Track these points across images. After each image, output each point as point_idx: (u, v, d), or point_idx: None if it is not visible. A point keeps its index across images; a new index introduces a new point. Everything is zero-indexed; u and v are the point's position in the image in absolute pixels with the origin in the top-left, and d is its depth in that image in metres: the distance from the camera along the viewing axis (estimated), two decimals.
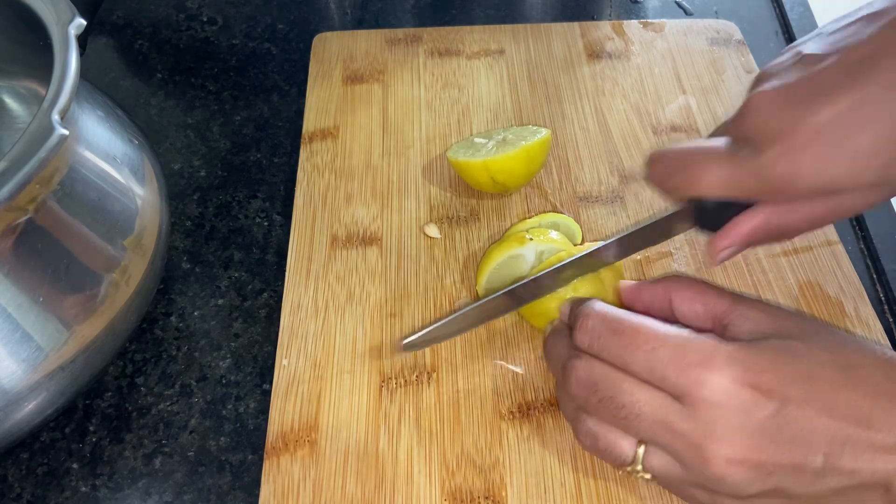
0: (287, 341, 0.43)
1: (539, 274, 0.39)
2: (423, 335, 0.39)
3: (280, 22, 0.63)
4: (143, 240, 0.40)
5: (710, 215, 0.37)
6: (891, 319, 0.46)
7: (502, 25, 0.61)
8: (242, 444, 0.41)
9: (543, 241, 0.42)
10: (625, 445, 0.33)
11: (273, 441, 0.40)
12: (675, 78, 0.57)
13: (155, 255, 0.41)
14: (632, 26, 0.61)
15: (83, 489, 0.40)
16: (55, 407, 0.37)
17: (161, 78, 0.59)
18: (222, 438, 0.42)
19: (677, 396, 0.31)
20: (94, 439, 0.41)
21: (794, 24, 0.63)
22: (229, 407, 0.43)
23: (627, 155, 0.52)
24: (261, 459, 0.39)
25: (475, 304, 0.39)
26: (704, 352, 0.30)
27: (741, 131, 0.35)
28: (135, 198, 0.40)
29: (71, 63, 0.34)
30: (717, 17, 0.63)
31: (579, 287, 0.40)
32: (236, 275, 0.48)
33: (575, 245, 0.44)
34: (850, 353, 0.31)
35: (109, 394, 0.43)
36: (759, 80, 0.35)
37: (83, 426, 0.42)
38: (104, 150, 0.39)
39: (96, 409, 0.42)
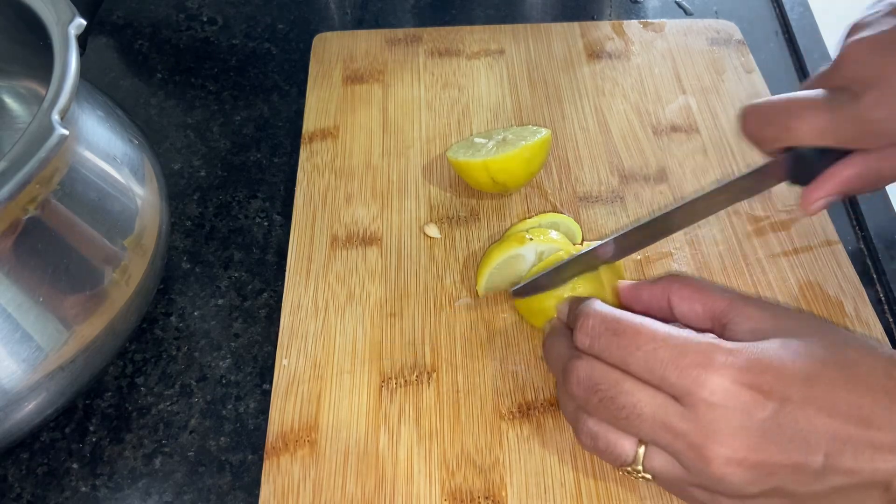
0: (287, 341, 0.43)
1: (640, 223, 0.39)
2: (537, 279, 0.40)
3: (280, 22, 0.63)
4: (143, 240, 0.40)
5: (804, 167, 0.38)
6: (891, 319, 0.46)
7: (502, 25, 0.61)
8: (242, 444, 0.41)
9: (543, 241, 0.42)
10: (625, 446, 0.33)
11: (273, 441, 0.40)
12: (675, 78, 0.57)
13: (155, 255, 0.41)
14: (632, 26, 0.61)
15: (83, 489, 0.40)
16: (55, 407, 0.37)
17: (161, 78, 0.59)
18: (222, 438, 0.42)
19: (677, 397, 0.31)
20: (94, 439, 0.41)
21: (794, 24, 0.63)
22: (229, 407, 0.43)
23: (627, 155, 0.52)
24: (261, 459, 0.39)
25: (583, 252, 0.39)
26: (704, 352, 0.30)
27: (837, 80, 0.36)
28: (135, 198, 0.40)
29: (71, 63, 0.34)
30: (717, 17, 0.63)
31: (578, 286, 0.40)
32: (236, 275, 0.48)
33: (575, 245, 0.44)
34: (850, 352, 0.31)
35: (109, 394, 0.43)
36: (852, 31, 0.36)
37: (83, 426, 0.42)
38: (104, 150, 0.39)
39: (96, 409, 0.42)
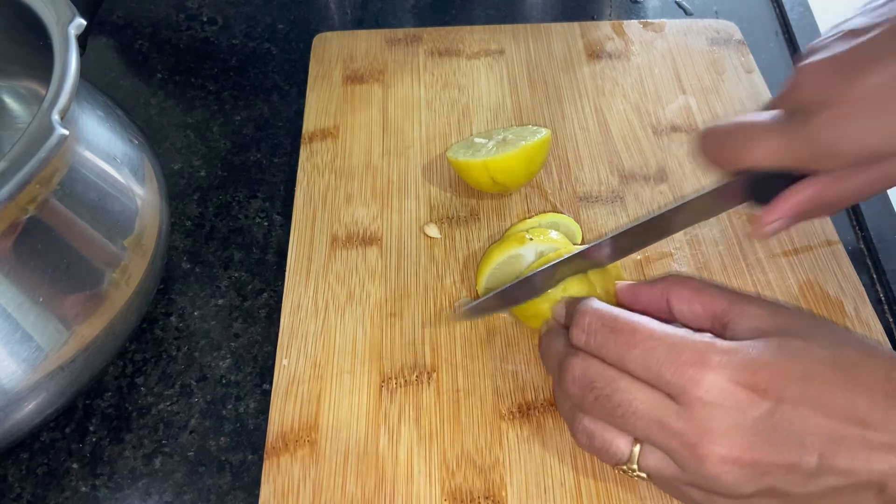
0: (287, 341, 0.43)
1: (604, 239, 0.39)
2: (486, 300, 0.40)
3: (280, 22, 0.63)
4: (143, 240, 0.40)
5: (761, 188, 0.38)
6: (891, 319, 0.46)
7: (502, 25, 0.61)
8: (242, 444, 0.41)
9: (543, 241, 0.42)
10: (620, 444, 0.33)
11: (273, 441, 0.40)
12: (675, 78, 0.57)
13: (155, 255, 0.41)
14: (632, 26, 0.61)
15: (83, 489, 0.40)
16: (55, 407, 0.37)
17: (161, 78, 0.59)
18: (222, 438, 0.42)
19: (673, 395, 0.31)
20: (94, 439, 0.41)
21: (794, 24, 0.63)
22: (229, 407, 0.43)
23: (627, 155, 0.52)
24: (261, 459, 0.39)
25: (538, 270, 0.39)
26: (700, 351, 0.30)
27: (790, 102, 0.36)
28: (135, 198, 0.40)
29: (71, 63, 0.34)
30: (717, 17, 0.63)
31: (569, 287, 0.40)
32: (236, 275, 0.48)
33: (574, 245, 0.44)
34: (849, 352, 0.31)
35: (109, 394, 0.43)
36: (807, 53, 0.36)
37: (83, 426, 0.42)
38: (104, 150, 0.39)
39: (96, 409, 0.42)
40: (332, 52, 0.58)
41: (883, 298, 0.47)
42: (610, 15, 0.64)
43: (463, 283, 0.46)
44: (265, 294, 0.47)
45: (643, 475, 0.33)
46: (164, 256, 0.43)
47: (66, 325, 0.35)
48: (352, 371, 0.42)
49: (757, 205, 0.39)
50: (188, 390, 0.43)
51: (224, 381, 0.44)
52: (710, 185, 0.39)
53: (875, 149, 0.34)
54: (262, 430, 0.42)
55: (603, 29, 0.61)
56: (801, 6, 0.64)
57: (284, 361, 0.43)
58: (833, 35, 0.36)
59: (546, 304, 0.40)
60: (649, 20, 0.61)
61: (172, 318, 0.46)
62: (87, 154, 0.37)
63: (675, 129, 0.54)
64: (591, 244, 0.40)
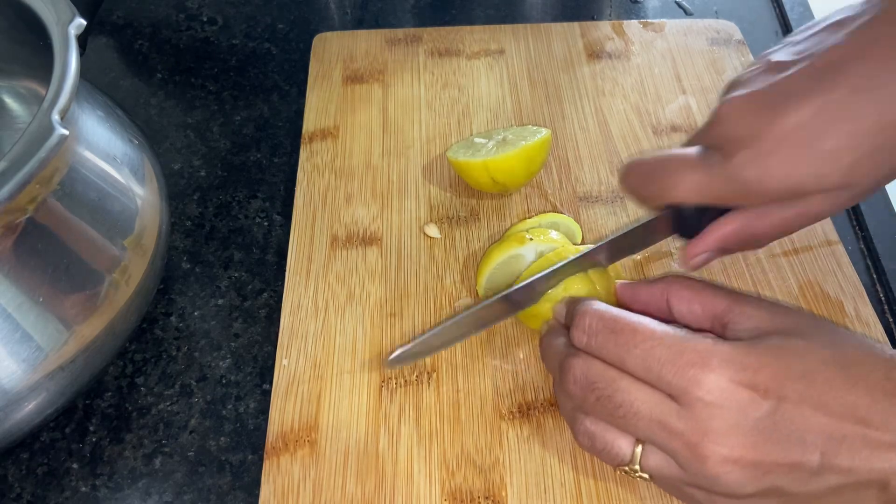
0: (287, 341, 0.43)
1: (529, 280, 0.39)
2: (411, 347, 0.39)
3: (280, 22, 0.63)
4: (143, 240, 0.40)
5: (687, 222, 0.38)
6: (891, 319, 0.46)
7: (502, 25, 0.61)
8: (242, 444, 0.41)
9: (543, 241, 0.42)
10: (622, 445, 0.33)
11: (273, 441, 0.40)
12: (675, 78, 0.57)
13: (155, 255, 0.41)
14: (632, 26, 0.61)
15: (83, 489, 0.40)
16: (55, 407, 0.37)
17: (161, 78, 0.59)
18: (222, 438, 0.42)
19: (674, 396, 0.31)
20: (94, 439, 0.41)
21: (794, 24, 0.63)
22: (229, 407, 0.43)
23: (627, 155, 0.52)
24: (261, 459, 0.39)
25: (463, 315, 0.39)
26: (701, 351, 0.31)
27: (712, 139, 0.36)
28: (135, 198, 0.40)
29: (71, 63, 0.34)
30: (717, 17, 0.63)
31: (570, 287, 0.40)
32: (236, 275, 0.48)
33: (574, 245, 0.44)
34: (849, 351, 0.31)
35: (109, 394, 0.43)
36: (729, 88, 0.36)
37: (83, 426, 0.42)
38: (104, 150, 0.39)
39: (96, 409, 0.42)
40: (332, 52, 0.58)
41: (883, 298, 0.47)
42: (610, 15, 0.64)
43: (463, 283, 0.46)
44: (265, 294, 0.47)
45: (645, 476, 0.33)
46: (164, 256, 0.43)
47: (66, 325, 0.35)
48: (352, 371, 0.42)
49: (683, 238, 0.39)
50: (188, 390, 0.43)
51: (224, 381, 0.44)
52: (637, 221, 0.39)
53: (796, 186, 0.34)
54: (262, 430, 0.42)
55: (603, 29, 0.61)
56: (801, 6, 0.64)
57: (284, 361, 0.43)
58: (756, 68, 0.35)
59: (546, 305, 0.40)
60: (649, 20, 0.62)
61: (172, 318, 0.46)
62: (87, 154, 0.37)
63: (675, 129, 0.54)
64: (519, 287, 0.39)
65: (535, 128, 0.49)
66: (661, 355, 0.31)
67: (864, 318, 0.44)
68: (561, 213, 0.48)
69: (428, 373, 0.42)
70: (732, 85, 0.36)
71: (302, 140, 0.53)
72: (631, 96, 0.56)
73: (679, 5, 0.65)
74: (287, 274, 0.46)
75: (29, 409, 0.35)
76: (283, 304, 0.45)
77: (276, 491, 0.38)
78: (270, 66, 0.60)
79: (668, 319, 0.35)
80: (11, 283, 0.33)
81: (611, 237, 0.40)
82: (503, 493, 0.38)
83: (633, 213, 0.49)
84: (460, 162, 0.47)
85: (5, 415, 0.35)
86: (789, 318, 0.33)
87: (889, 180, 0.35)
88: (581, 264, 0.40)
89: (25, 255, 0.34)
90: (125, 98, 0.57)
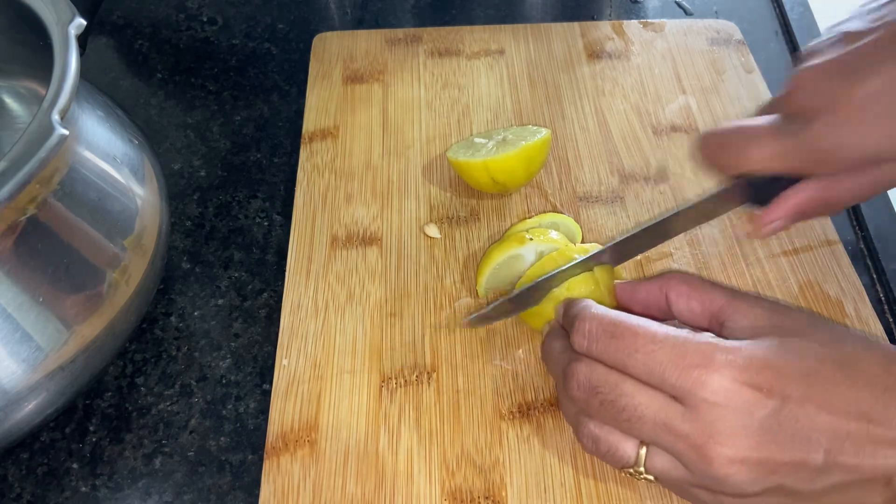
0: (287, 341, 0.43)
1: (626, 236, 0.40)
2: (487, 311, 0.40)
3: (280, 22, 0.63)
4: (143, 240, 0.40)
5: (760, 191, 0.39)
6: (891, 319, 0.46)
7: (502, 25, 0.61)
8: (242, 444, 0.41)
9: (543, 241, 0.42)
10: (627, 448, 0.33)
11: (273, 441, 0.40)
12: (675, 78, 0.57)
13: (155, 255, 0.41)
14: (632, 26, 0.61)
15: (83, 489, 0.40)
16: (55, 407, 0.37)
17: (161, 78, 0.59)
18: (222, 438, 0.42)
19: (678, 397, 0.31)
20: (94, 439, 0.41)
21: (794, 24, 0.63)
22: (229, 407, 0.43)
23: (627, 155, 0.52)
24: (261, 459, 0.39)
25: (540, 279, 0.40)
26: (703, 352, 0.30)
27: (788, 108, 0.36)
28: (135, 198, 0.40)
29: (71, 63, 0.34)
30: (717, 17, 0.63)
31: (573, 287, 0.40)
32: (236, 275, 0.48)
33: (575, 245, 0.44)
34: (848, 348, 0.31)
35: (109, 394, 0.43)
36: (803, 58, 0.37)
37: (83, 426, 0.42)
38: (104, 150, 0.39)
39: (96, 409, 0.42)
40: (332, 52, 0.58)
41: (883, 298, 0.47)
42: (610, 15, 0.64)
43: (463, 283, 0.46)
44: (265, 294, 0.47)
45: (650, 477, 0.33)
46: (164, 256, 0.43)
47: (66, 325, 0.35)
48: (352, 371, 0.42)
49: (756, 206, 0.39)
50: (188, 390, 0.43)
51: (224, 381, 0.44)
52: (711, 189, 0.40)
53: (872, 154, 0.34)
54: (262, 430, 0.42)
55: (603, 29, 0.61)
56: (801, 6, 0.64)
57: (284, 361, 0.43)
58: (830, 38, 0.36)
59: (549, 304, 0.40)
60: (649, 20, 0.61)
61: (172, 318, 0.46)
62: (87, 154, 0.37)
63: (675, 129, 0.54)
64: (595, 252, 0.40)
65: (535, 128, 0.49)
66: (664, 358, 0.31)
67: (864, 318, 0.44)
68: (561, 213, 0.48)
69: (428, 373, 0.42)
70: (807, 55, 0.37)
71: (302, 140, 0.53)
72: (631, 96, 0.56)
73: (679, 5, 0.65)
74: (287, 274, 0.46)
75: (29, 409, 0.35)
76: (283, 304, 0.45)
77: (276, 491, 0.38)
78: (270, 66, 0.60)
79: (668, 317, 0.36)
80: (11, 283, 0.33)
81: (682, 206, 0.40)
82: (503, 493, 0.38)
83: (633, 214, 0.49)
84: (460, 162, 0.47)
85: (5, 415, 0.35)
86: (786, 317, 0.33)
87: None
88: (659, 231, 0.41)
89: (25, 255, 0.34)
90: (125, 98, 0.57)
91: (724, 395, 0.30)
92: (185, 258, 0.49)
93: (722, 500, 0.31)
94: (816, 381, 0.30)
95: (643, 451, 0.32)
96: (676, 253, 0.47)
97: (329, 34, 0.60)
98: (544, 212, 0.48)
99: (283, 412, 0.41)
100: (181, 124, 0.56)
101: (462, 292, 0.45)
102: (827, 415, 0.29)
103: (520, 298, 0.40)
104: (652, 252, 0.47)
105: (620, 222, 0.49)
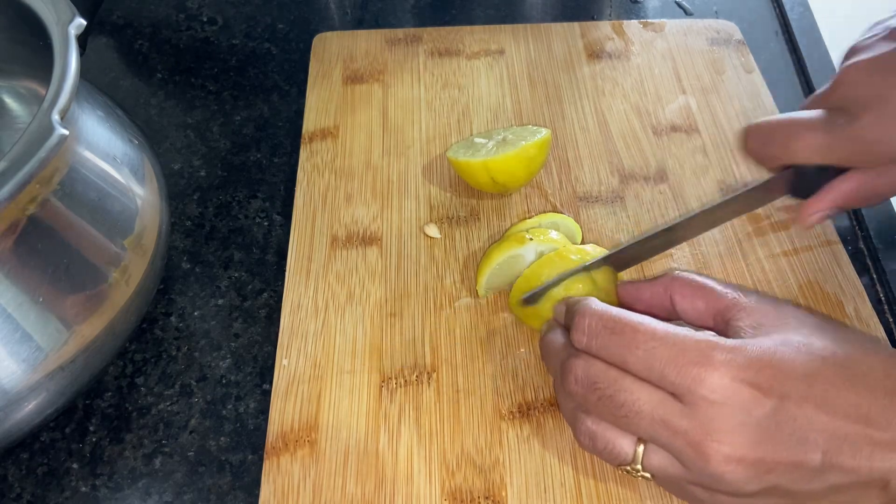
0: (287, 341, 0.43)
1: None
2: (539, 290, 0.40)
3: (280, 22, 0.63)
4: (143, 240, 0.40)
5: (805, 182, 0.40)
6: (891, 319, 0.46)
7: (502, 25, 0.61)
8: (242, 444, 0.41)
9: (543, 241, 0.42)
10: (624, 444, 0.33)
11: (273, 441, 0.40)
12: (675, 78, 0.57)
13: (155, 255, 0.41)
14: (632, 26, 0.61)
15: (83, 489, 0.40)
16: (55, 407, 0.37)
17: (161, 78, 0.59)
18: (222, 438, 0.42)
19: (677, 395, 0.31)
20: (94, 439, 0.41)
21: (794, 24, 0.63)
22: (229, 407, 0.43)
23: (627, 155, 0.52)
24: (261, 459, 0.39)
25: (593, 260, 0.40)
26: (703, 350, 0.30)
27: (835, 102, 0.38)
28: (135, 198, 0.40)
29: (71, 63, 0.34)
30: (717, 17, 0.63)
31: (571, 287, 0.40)
32: (236, 275, 0.48)
33: (575, 245, 0.44)
34: (850, 350, 0.31)
35: (109, 394, 0.43)
36: (849, 54, 0.38)
37: (83, 426, 0.42)
38: (104, 150, 0.39)
39: (96, 409, 0.42)
40: (332, 52, 0.58)
41: (883, 298, 0.47)
42: (610, 15, 0.64)
43: (463, 283, 0.46)
44: (265, 294, 0.47)
45: (647, 475, 0.33)
46: (164, 256, 0.43)
47: (66, 325, 0.35)
48: (352, 371, 0.42)
49: (798, 198, 0.41)
50: (188, 390, 0.43)
51: (224, 381, 0.44)
52: (756, 180, 0.41)
53: None
54: (262, 430, 0.42)
55: (603, 29, 0.61)
56: (801, 6, 0.64)
57: (284, 361, 0.43)
58: (876, 34, 0.37)
59: (547, 304, 0.40)
60: (649, 20, 0.62)
61: (172, 318, 0.46)
62: (87, 154, 0.37)
63: (675, 129, 0.54)
64: (647, 234, 0.42)
65: (535, 128, 0.49)
66: (663, 354, 0.31)
67: (864, 318, 0.44)
68: (561, 213, 0.48)
69: (428, 373, 0.42)
70: (852, 51, 0.38)
71: (302, 140, 0.53)
72: (631, 96, 0.56)
73: (679, 5, 0.65)
74: (287, 274, 0.46)
75: (29, 409, 0.35)
76: (283, 304, 0.45)
77: (276, 491, 0.38)
78: (270, 66, 0.60)
79: (672, 317, 0.36)
80: (11, 282, 0.33)
81: (721, 199, 0.41)
82: (503, 493, 0.38)
83: (632, 214, 0.49)
84: (460, 162, 0.47)
85: (5, 415, 0.35)
86: (791, 316, 0.33)
87: None
88: (706, 220, 0.42)
89: (25, 255, 0.34)
90: (125, 98, 0.57)
91: (723, 392, 0.30)
92: (185, 258, 0.49)
93: (718, 498, 0.31)
94: (817, 382, 0.30)
95: (640, 448, 0.32)
96: (676, 253, 0.47)
97: (329, 34, 0.60)
98: (544, 212, 0.48)
99: (283, 412, 0.41)
100: (181, 124, 0.56)
101: (462, 292, 0.45)
102: (826, 416, 0.29)
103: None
104: None
105: (620, 222, 0.49)
